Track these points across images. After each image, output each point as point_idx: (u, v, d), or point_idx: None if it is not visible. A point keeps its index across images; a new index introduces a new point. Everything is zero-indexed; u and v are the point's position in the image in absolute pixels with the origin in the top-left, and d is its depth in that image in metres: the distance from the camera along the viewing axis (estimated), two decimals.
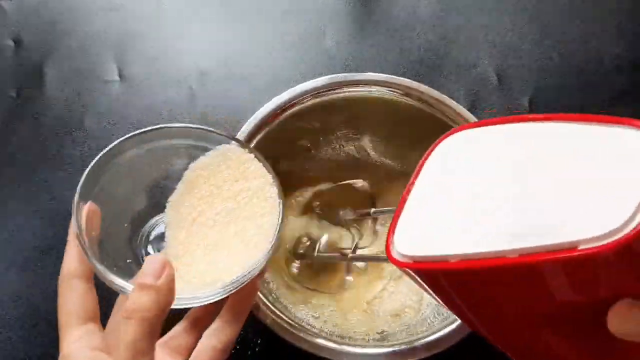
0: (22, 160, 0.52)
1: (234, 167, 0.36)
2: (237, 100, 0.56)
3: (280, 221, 0.34)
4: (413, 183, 0.27)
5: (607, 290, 0.19)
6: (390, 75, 0.44)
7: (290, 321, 0.35)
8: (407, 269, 0.23)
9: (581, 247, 0.17)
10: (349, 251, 0.43)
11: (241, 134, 0.42)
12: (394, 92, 0.44)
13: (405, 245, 0.24)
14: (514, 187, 0.21)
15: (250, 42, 0.60)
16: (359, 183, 0.44)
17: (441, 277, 0.22)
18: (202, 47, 0.60)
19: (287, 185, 0.47)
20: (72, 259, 0.30)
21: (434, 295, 0.24)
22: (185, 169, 0.35)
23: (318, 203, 0.48)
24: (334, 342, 0.35)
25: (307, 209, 0.48)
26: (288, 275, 0.44)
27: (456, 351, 0.35)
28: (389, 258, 0.24)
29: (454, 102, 0.44)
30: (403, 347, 0.34)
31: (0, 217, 0.49)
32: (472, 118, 0.43)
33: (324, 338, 0.35)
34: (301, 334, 0.34)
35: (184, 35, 0.61)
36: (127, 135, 0.33)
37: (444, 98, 0.44)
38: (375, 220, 0.46)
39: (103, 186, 0.33)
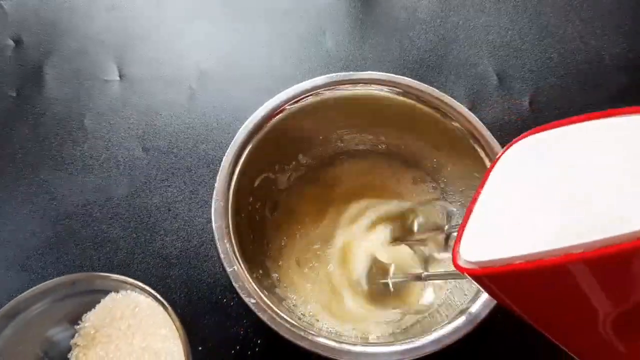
0: (22, 160, 0.52)
1: (132, 316, 0.36)
2: (237, 100, 0.56)
3: None
4: (479, 192, 0.26)
5: None
6: (390, 74, 0.44)
7: (290, 319, 0.35)
8: (474, 276, 0.23)
9: None
10: (421, 271, 0.42)
11: (241, 133, 0.42)
12: (394, 90, 0.44)
13: (471, 252, 0.23)
14: (577, 186, 0.21)
15: (251, 42, 0.60)
16: (438, 204, 0.43)
17: (507, 280, 0.22)
18: (202, 47, 0.60)
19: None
20: None
21: (505, 301, 0.24)
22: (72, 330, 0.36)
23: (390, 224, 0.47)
24: (335, 340, 0.34)
25: (374, 226, 0.47)
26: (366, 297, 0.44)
27: (455, 350, 0.35)
28: (455, 266, 0.24)
29: (454, 100, 0.44)
30: (404, 345, 0.34)
31: (0, 217, 0.49)
32: (473, 117, 0.43)
33: (325, 337, 0.35)
34: (301, 333, 0.34)
35: (184, 35, 0.61)
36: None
37: (444, 97, 0.44)
38: (448, 236, 0.45)
39: None
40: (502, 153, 0.27)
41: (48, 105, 0.55)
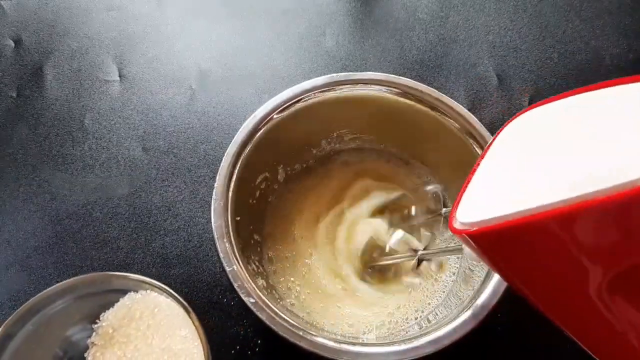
0: (22, 160, 0.52)
1: (151, 317, 0.35)
2: (237, 100, 0.56)
3: None
4: (479, 164, 0.27)
5: None
6: (389, 74, 0.44)
7: (289, 319, 0.35)
8: (468, 236, 0.23)
9: None
10: (419, 251, 0.42)
11: (241, 133, 0.42)
12: (394, 91, 0.44)
13: (466, 215, 0.23)
14: (572, 148, 0.21)
15: (251, 42, 0.61)
16: (430, 187, 0.44)
17: (500, 238, 0.21)
18: (202, 47, 0.60)
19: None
20: None
21: (500, 265, 0.24)
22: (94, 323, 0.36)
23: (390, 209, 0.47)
24: (334, 340, 0.34)
25: (377, 212, 0.48)
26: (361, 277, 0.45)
27: (454, 350, 0.35)
28: (450, 230, 0.24)
29: (453, 101, 0.44)
30: (403, 345, 0.34)
31: (0, 217, 0.49)
32: (472, 118, 0.43)
33: (324, 337, 0.35)
34: (300, 332, 0.34)
35: (184, 35, 0.61)
36: (30, 301, 0.33)
37: (443, 97, 0.44)
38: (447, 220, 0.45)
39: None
40: (503, 127, 0.27)
41: (48, 105, 0.55)
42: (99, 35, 0.60)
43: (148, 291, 0.36)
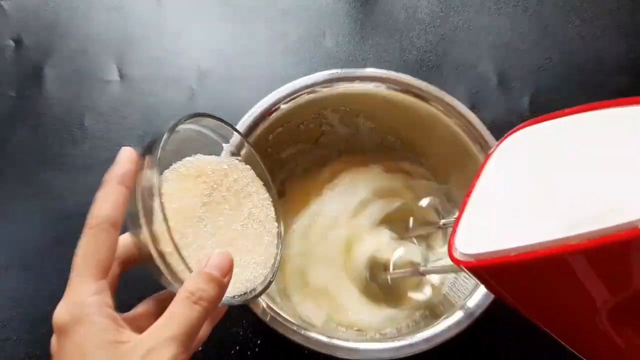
0: (22, 160, 0.52)
1: (241, 179, 0.35)
2: (237, 100, 0.56)
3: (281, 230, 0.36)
4: (474, 185, 0.27)
5: None
6: (389, 71, 0.44)
7: (284, 315, 0.35)
8: (469, 268, 0.23)
9: None
10: (421, 266, 0.42)
11: (239, 128, 0.42)
12: (394, 88, 0.44)
13: (467, 244, 0.23)
14: (571, 177, 0.21)
15: (250, 42, 0.61)
16: (426, 202, 0.44)
17: (504, 272, 0.22)
18: (202, 47, 0.60)
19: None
20: (110, 205, 0.28)
21: (502, 293, 0.24)
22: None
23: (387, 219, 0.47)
24: (327, 336, 0.34)
25: (377, 223, 0.47)
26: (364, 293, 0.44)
27: (455, 349, 0.35)
28: (451, 259, 0.24)
29: (454, 99, 0.43)
30: (396, 342, 0.34)
31: (0, 217, 0.49)
32: (472, 116, 0.43)
33: (318, 332, 0.35)
34: (294, 327, 0.34)
35: (184, 35, 0.61)
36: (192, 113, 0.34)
37: (445, 95, 0.43)
38: (446, 231, 0.44)
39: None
40: (497, 146, 0.27)
41: (48, 105, 0.55)
42: (99, 36, 0.60)
43: (251, 171, 0.36)
